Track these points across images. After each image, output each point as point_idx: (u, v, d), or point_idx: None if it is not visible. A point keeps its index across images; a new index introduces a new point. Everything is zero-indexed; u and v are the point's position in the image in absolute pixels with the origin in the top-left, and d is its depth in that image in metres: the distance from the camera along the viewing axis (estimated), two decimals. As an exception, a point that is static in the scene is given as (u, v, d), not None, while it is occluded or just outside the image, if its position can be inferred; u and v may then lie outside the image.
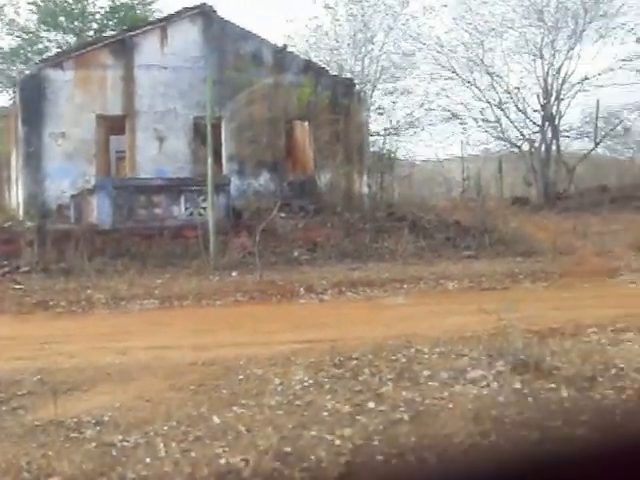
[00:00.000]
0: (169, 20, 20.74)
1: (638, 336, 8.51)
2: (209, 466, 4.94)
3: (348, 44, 25.60)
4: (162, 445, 5.35)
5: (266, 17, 51.53)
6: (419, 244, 15.37)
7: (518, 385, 6.63)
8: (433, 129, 27.68)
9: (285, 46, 20.98)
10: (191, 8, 20.45)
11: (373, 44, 25.61)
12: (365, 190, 19.64)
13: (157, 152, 19.81)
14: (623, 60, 25.10)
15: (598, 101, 25.31)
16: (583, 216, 19.08)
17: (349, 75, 23.49)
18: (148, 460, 5.08)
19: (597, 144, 25.92)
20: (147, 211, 16.69)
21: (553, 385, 6.66)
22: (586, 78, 25.17)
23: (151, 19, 26.95)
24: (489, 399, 6.29)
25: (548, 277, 13.34)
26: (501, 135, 26.25)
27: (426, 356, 7.61)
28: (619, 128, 26.62)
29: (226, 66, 19.77)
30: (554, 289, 12.56)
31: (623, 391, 6.46)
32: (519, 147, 26.19)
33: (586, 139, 26.20)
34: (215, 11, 20.35)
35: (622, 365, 7.28)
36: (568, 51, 25.16)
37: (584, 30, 25.12)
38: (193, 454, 5.16)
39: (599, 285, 12.81)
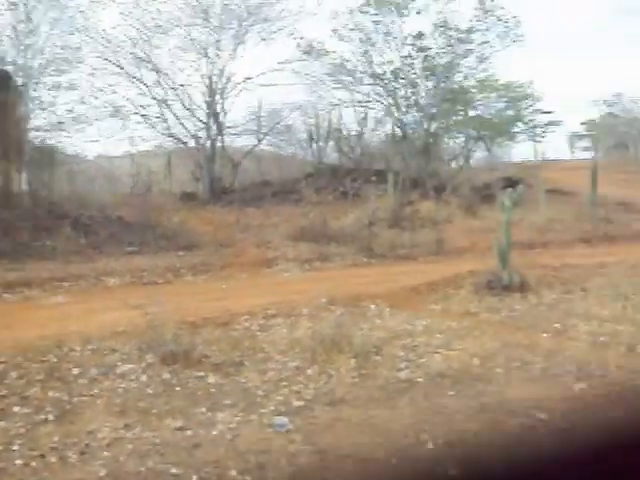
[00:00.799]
0: None
1: (286, 321, 9.08)
2: None
3: (9, 35, 24.24)
4: None
5: None
6: (81, 241, 15.04)
7: (167, 376, 6.81)
8: (101, 125, 27.09)
9: None
10: None
11: (36, 36, 24.50)
12: (25, 187, 18.79)
13: None
14: (283, 62, 26.41)
15: (261, 100, 26.43)
16: (246, 209, 19.82)
17: (11, 67, 22.26)
18: None
19: (260, 141, 27.02)
20: None
21: (202, 373, 6.93)
22: (249, 78, 26.13)
23: None
24: (137, 392, 6.39)
25: (209, 269, 13.72)
26: (168, 132, 26.43)
27: (78, 354, 7.54)
28: (281, 126, 27.96)
29: None
30: (214, 281, 12.96)
31: (265, 373, 6.91)
32: (186, 143, 26.54)
33: (251, 136, 27.23)
34: None
35: (269, 349, 7.76)
36: (232, 51, 25.94)
37: (247, 32, 26.02)
38: None
39: (256, 275, 13.45)
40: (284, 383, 6.58)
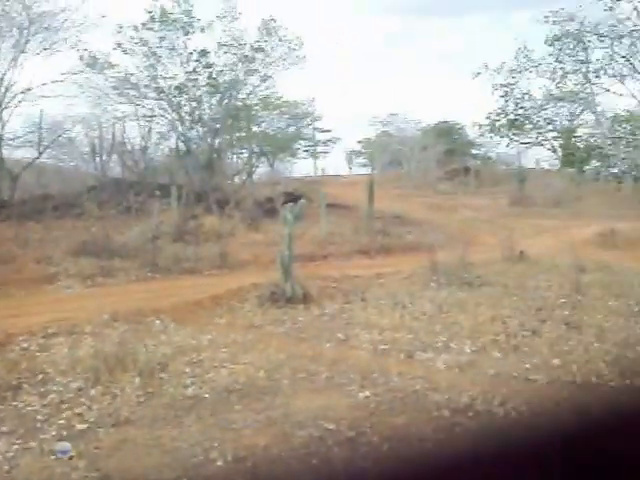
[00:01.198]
0: None
1: (67, 339, 8.77)
2: None
3: None
4: None
5: None
6: None
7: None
8: None
9: None
10: None
11: None
12: None
13: None
14: (66, 73, 25.53)
15: (42, 111, 25.39)
16: (26, 224, 18.90)
17: None
18: None
19: (41, 153, 25.99)
20: None
21: (-25, 399, 6.57)
22: (29, 88, 25.09)
23: None
24: None
25: (-17, 288, 12.97)
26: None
27: None
28: (63, 138, 27.05)
29: None
30: (-11, 300, 12.27)
31: (45, 396, 6.65)
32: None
33: (31, 148, 26.13)
34: None
35: (49, 370, 7.47)
36: (12, 60, 24.81)
37: (29, 41, 24.98)
38: None
39: (37, 292, 12.84)
40: (66, 406, 6.37)
